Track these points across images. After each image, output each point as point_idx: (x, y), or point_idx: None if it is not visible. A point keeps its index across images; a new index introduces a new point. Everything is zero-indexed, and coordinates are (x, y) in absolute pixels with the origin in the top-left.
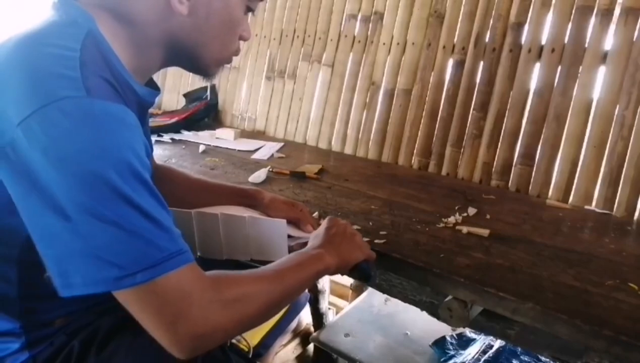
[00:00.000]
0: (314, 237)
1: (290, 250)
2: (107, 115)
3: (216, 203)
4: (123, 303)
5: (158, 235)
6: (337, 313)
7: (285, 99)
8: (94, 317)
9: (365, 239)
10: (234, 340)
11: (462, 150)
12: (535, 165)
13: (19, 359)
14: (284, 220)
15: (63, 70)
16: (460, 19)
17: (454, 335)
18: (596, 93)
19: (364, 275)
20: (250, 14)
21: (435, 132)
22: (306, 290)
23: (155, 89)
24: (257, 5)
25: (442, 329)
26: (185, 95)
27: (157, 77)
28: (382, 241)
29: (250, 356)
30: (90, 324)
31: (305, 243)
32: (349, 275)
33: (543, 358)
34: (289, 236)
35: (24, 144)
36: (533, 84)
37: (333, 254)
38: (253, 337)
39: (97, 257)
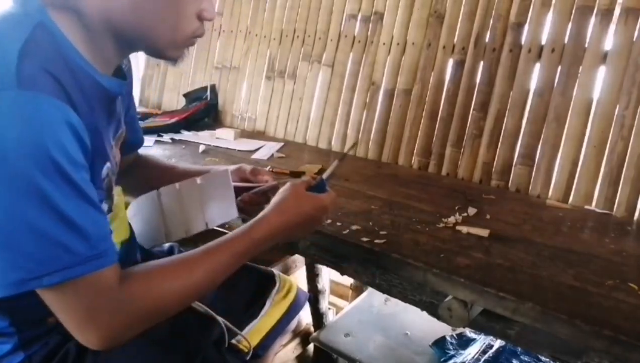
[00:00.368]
0: (280, 202)
1: (243, 204)
2: (36, 110)
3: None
4: (43, 299)
5: (72, 239)
6: (337, 313)
7: (285, 99)
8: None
9: (365, 239)
10: (233, 341)
11: (462, 150)
12: (535, 165)
13: (14, 360)
14: (227, 169)
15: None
16: (460, 19)
17: (454, 335)
18: (596, 93)
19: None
20: None
21: (435, 132)
22: (306, 290)
23: (122, 78)
24: None
25: (442, 329)
26: (185, 95)
27: (156, 77)
28: (382, 241)
29: (249, 357)
30: None
31: (263, 194)
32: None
33: (543, 358)
34: (243, 188)
35: None
36: (533, 84)
37: (281, 235)
38: (252, 338)
39: (9, 258)
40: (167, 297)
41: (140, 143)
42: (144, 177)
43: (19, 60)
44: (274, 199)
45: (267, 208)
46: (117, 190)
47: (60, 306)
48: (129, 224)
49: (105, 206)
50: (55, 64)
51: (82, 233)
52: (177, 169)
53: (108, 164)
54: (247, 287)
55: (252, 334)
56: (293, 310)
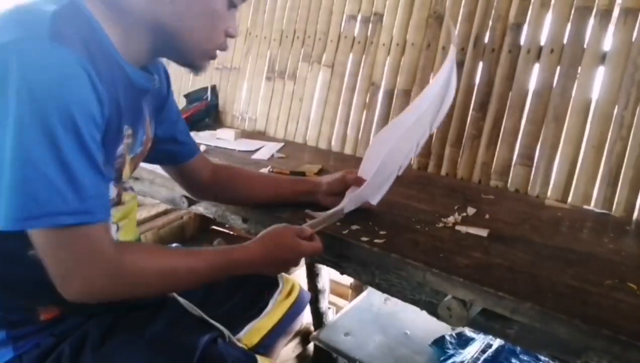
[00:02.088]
0: (265, 236)
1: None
2: (63, 63)
3: (277, 193)
4: (33, 244)
5: (68, 189)
6: (337, 312)
7: (285, 99)
8: (82, 319)
9: (365, 239)
10: (234, 340)
11: (461, 150)
12: (534, 165)
13: (4, 357)
14: (342, 209)
15: (32, 16)
16: (459, 20)
17: (454, 335)
18: (595, 93)
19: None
20: (236, 11)
21: (435, 132)
22: (307, 290)
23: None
24: (241, 2)
25: (441, 328)
26: (185, 96)
27: None
28: (381, 241)
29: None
30: (79, 327)
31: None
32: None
33: (542, 358)
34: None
35: None
36: (532, 84)
37: (262, 259)
38: (252, 337)
39: (17, 194)
40: (151, 273)
41: (191, 153)
42: (237, 185)
43: (53, 18)
44: (262, 232)
45: (254, 238)
46: (130, 195)
47: (51, 252)
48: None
49: (113, 190)
50: (84, 33)
51: (77, 185)
52: (271, 176)
53: (122, 146)
54: (251, 288)
55: (252, 333)
56: (295, 310)
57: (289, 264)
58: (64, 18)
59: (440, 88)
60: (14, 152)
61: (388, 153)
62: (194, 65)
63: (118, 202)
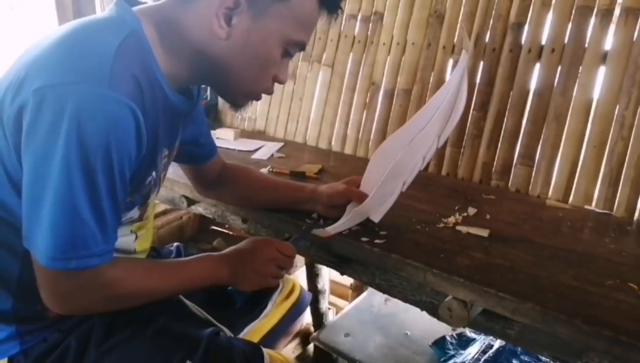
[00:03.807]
0: (237, 245)
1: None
2: (116, 112)
3: (277, 198)
4: (35, 268)
5: (99, 232)
6: (337, 313)
7: (285, 99)
8: (87, 315)
9: (365, 239)
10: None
11: (462, 150)
12: (535, 165)
13: (10, 351)
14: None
15: (95, 58)
16: (460, 19)
17: (454, 335)
18: (596, 93)
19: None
20: (290, 60)
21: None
22: (307, 291)
23: (189, 98)
24: (297, 52)
25: (442, 329)
26: None
27: None
28: (382, 241)
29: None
30: (85, 322)
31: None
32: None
33: (543, 358)
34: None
35: (34, 109)
36: (533, 84)
37: (227, 269)
38: (252, 337)
39: (55, 234)
40: (130, 299)
41: (210, 155)
42: (238, 187)
43: (114, 61)
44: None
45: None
46: (152, 204)
47: (59, 284)
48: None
49: (137, 212)
50: (140, 71)
51: (106, 228)
52: (273, 180)
53: (154, 174)
54: None
55: (251, 334)
56: (296, 311)
57: (257, 274)
58: (124, 56)
59: (449, 96)
60: (57, 192)
61: (392, 168)
62: (235, 102)
63: (140, 218)
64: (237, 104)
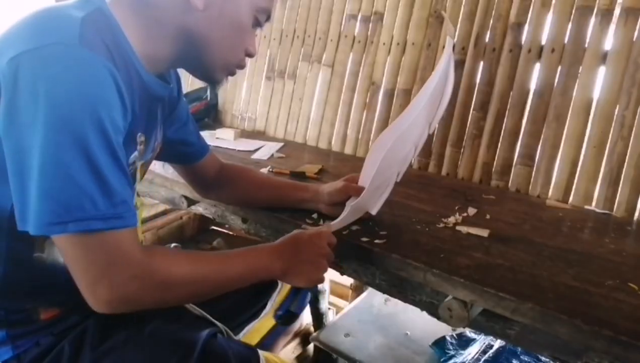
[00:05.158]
0: (284, 237)
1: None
2: (92, 68)
3: (279, 197)
4: (57, 248)
5: (98, 193)
6: (337, 313)
7: (285, 99)
8: (81, 318)
9: (365, 239)
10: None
11: (462, 150)
12: (535, 165)
13: (2, 356)
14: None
15: (64, 23)
16: (460, 19)
17: (454, 335)
18: (596, 93)
19: (298, 301)
20: (258, 31)
21: (435, 132)
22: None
23: (164, 83)
24: (264, 21)
25: (442, 329)
26: (185, 96)
27: None
28: (382, 241)
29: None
30: (78, 325)
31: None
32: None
33: (543, 358)
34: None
35: (9, 79)
36: (533, 84)
37: (280, 265)
38: (252, 338)
39: (42, 199)
40: (181, 277)
41: (201, 154)
42: (238, 186)
43: (81, 25)
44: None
45: (273, 243)
46: (140, 200)
47: (79, 258)
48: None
49: None
50: (109, 40)
51: (108, 190)
52: (275, 179)
53: (136, 153)
54: (250, 288)
55: (251, 334)
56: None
57: (314, 267)
58: (91, 24)
59: (438, 82)
60: (43, 157)
61: (384, 159)
62: (214, 77)
63: None
64: (215, 79)
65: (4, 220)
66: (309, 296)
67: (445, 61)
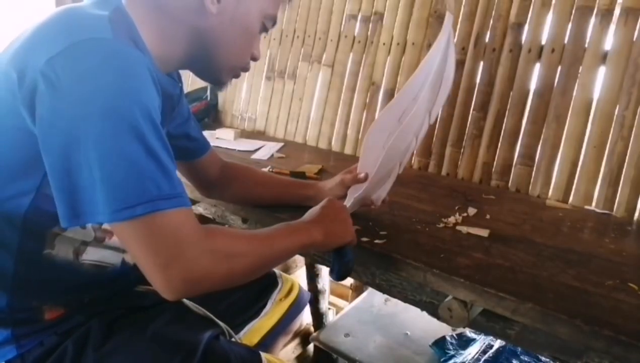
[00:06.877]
0: (309, 212)
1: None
2: (130, 59)
3: (280, 194)
4: (122, 239)
5: (159, 175)
6: (337, 313)
7: (285, 99)
8: (84, 318)
9: (365, 239)
10: (232, 340)
11: (462, 150)
12: (535, 165)
13: (6, 355)
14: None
15: (92, 21)
16: (460, 19)
17: (454, 335)
18: (596, 93)
19: (343, 257)
20: (263, 36)
21: (435, 132)
22: (306, 290)
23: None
24: (270, 27)
25: (442, 329)
26: (185, 95)
27: None
28: (382, 241)
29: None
30: (82, 325)
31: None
32: (334, 254)
33: (543, 358)
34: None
35: (52, 78)
36: (533, 84)
37: (320, 231)
38: (252, 337)
39: (105, 188)
40: (242, 250)
41: (203, 150)
42: (242, 183)
43: (110, 22)
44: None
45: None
46: None
47: (149, 242)
48: None
49: None
50: (131, 37)
51: (167, 172)
52: (278, 177)
53: None
54: (250, 287)
55: (251, 333)
56: (294, 309)
57: (340, 237)
58: (116, 22)
59: (437, 65)
60: (101, 148)
61: (387, 153)
62: (220, 79)
63: None
64: (222, 80)
65: (19, 217)
66: (350, 251)
67: (444, 40)
